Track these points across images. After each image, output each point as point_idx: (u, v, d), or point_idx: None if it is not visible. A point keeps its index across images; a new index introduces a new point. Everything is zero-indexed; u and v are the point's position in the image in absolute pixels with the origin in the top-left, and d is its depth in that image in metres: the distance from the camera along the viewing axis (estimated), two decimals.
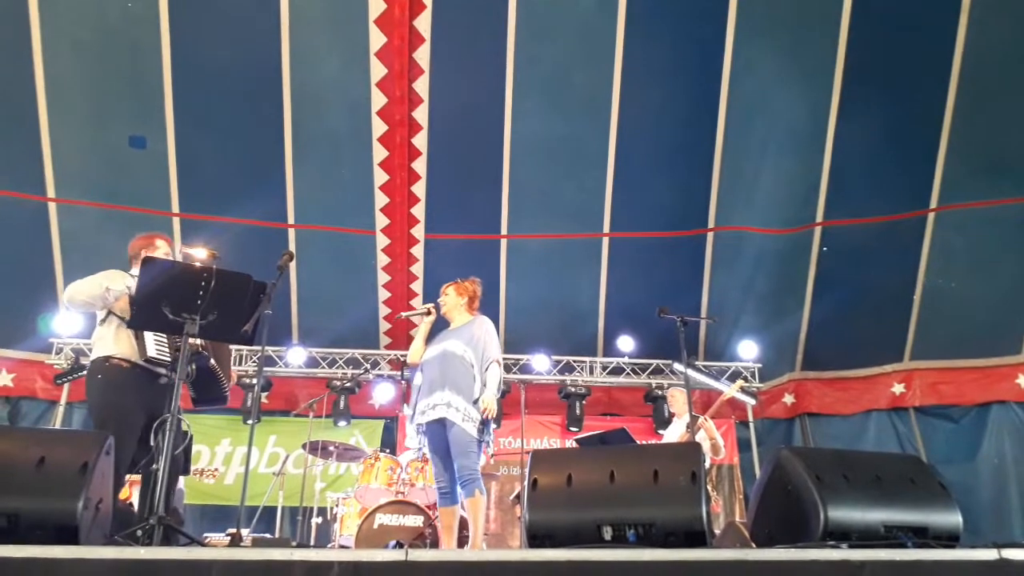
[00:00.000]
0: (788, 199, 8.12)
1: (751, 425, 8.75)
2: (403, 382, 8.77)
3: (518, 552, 2.88)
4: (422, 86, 7.46)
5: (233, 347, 8.06)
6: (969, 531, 2.96)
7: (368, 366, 8.60)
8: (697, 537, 2.60)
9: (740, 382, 6.59)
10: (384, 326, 8.87)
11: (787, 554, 2.37)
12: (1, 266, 7.78)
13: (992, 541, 2.51)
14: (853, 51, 7.29)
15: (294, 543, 5.72)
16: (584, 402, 8.66)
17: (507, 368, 8.58)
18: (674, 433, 6.36)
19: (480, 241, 8.42)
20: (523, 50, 7.39)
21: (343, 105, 7.57)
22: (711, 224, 8.33)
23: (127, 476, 3.94)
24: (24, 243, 7.79)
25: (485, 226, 8.34)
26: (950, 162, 7.66)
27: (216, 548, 3.13)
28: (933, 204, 7.90)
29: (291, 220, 8.11)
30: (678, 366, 8.32)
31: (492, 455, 4.94)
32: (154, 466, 3.23)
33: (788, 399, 9.07)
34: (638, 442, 6.50)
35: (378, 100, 7.44)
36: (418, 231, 8.25)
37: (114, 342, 3.79)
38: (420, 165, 7.87)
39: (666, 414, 8.08)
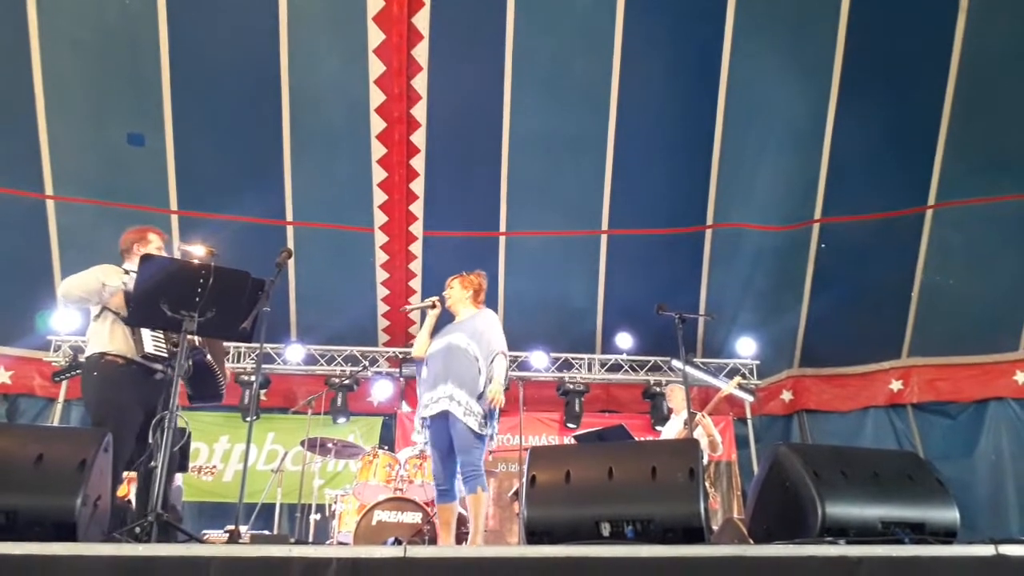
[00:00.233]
0: (787, 196, 8.13)
1: (749, 422, 8.77)
2: (401, 379, 8.78)
3: (516, 548, 2.89)
4: (420, 83, 7.46)
5: (231, 344, 8.16)
6: (966, 527, 2.96)
7: (366, 363, 8.60)
8: (695, 533, 2.60)
9: (738, 378, 6.60)
10: (383, 323, 8.87)
11: (785, 550, 2.38)
12: None
13: (989, 537, 2.52)
14: (852, 47, 7.29)
15: (292, 540, 5.72)
16: (583, 399, 8.67)
17: None
18: (672, 429, 6.37)
19: (479, 238, 8.42)
20: (521, 47, 7.38)
21: (341, 102, 7.56)
22: (710, 221, 8.33)
23: (125, 473, 3.94)
24: (22, 240, 7.78)
25: (484, 223, 8.33)
26: (948, 159, 7.66)
27: (214, 545, 3.13)
28: (931, 201, 7.91)
29: (289, 217, 8.10)
30: (676, 363, 8.33)
31: (491, 452, 4.95)
32: (152, 463, 3.23)
33: (786, 396, 9.09)
34: (636, 439, 6.51)
35: (376, 97, 7.43)
36: (416, 228, 8.25)
37: (109, 338, 3.78)
38: (418, 162, 7.87)
39: (665, 411, 8.09)
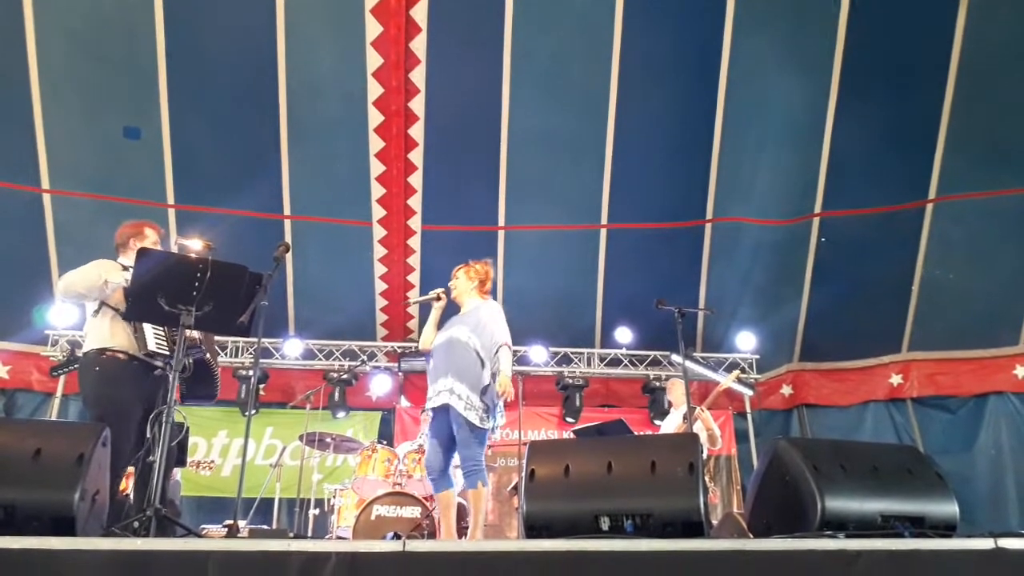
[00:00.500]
0: (786, 190, 8.11)
1: (749, 416, 8.78)
2: (400, 374, 8.78)
3: (516, 543, 2.88)
4: (418, 76, 7.43)
5: (228, 339, 8.14)
6: (966, 521, 2.97)
7: (365, 358, 8.59)
8: (694, 528, 2.60)
9: (736, 372, 6.59)
10: (381, 318, 8.86)
11: (784, 544, 2.37)
12: None
13: (988, 531, 2.52)
14: (852, 42, 7.27)
15: (291, 534, 5.73)
16: (583, 393, 8.67)
17: None
18: (671, 424, 6.37)
19: (477, 232, 8.40)
20: (521, 40, 7.36)
21: (339, 95, 7.53)
22: (709, 215, 8.32)
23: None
24: (18, 235, 7.76)
25: (482, 217, 8.32)
26: (948, 153, 7.65)
27: (213, 539, 3.12)
28: (931, 195, 7.90)
29: (287, 211, 8.08)
30: (676, 357, 8.32)
31: (491, 446, 4.94)
32: (150, 458, 3.22)
33: (786, 390, 9.10)
34: (636, 433, 6.50)
35: (374, 90, 7.41)
36: (415, 222, 8.23)
37: (110, 334, 3.77)
38: (417, 156, 7.84)
39: (665, 405, 8.09)
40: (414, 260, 8.46)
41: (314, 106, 7.57)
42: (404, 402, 8.78)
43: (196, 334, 3.95)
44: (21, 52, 6.99)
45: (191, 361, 3.90)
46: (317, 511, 6.51)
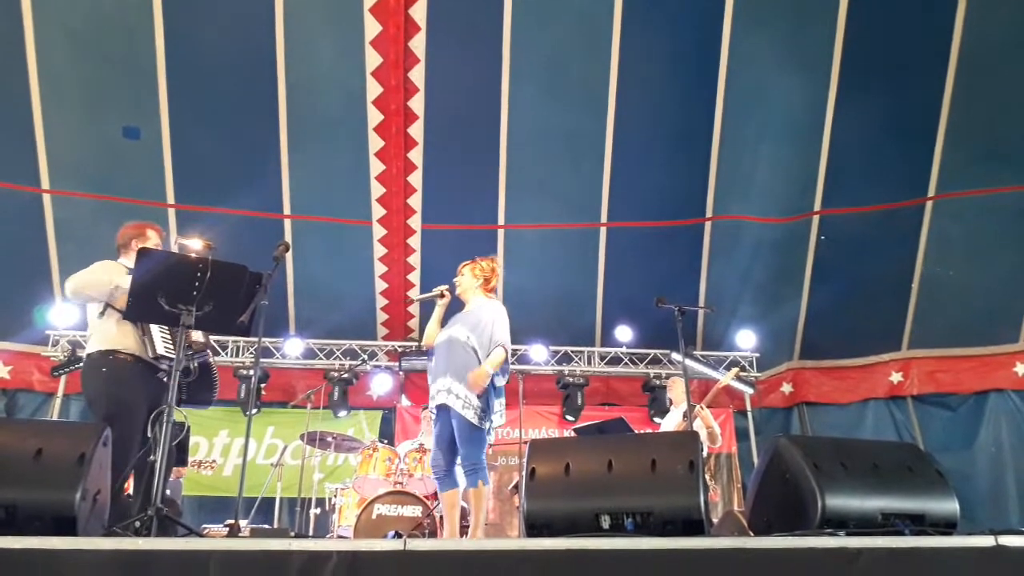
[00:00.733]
0: (786, 188, 8.11)
1: (749, 414, 8.78)
2: (400, 373, 8.78)
3: (516, 541, 2.89)
4: (418, 75, 7.43)
5: (229, 338, 8.15)
6: (966, 518, 2.97)
7: (365, 357, 8.59)
8: (695, 526, 2.60)
9: (735, 370, 6.59)
10: (381, 317, 8.86)
11: (785, 542, 2.37)
12: None
13: (989, 528, 2.52)
14: (851, 39, 7.26)
15: (292, 534, 5.73)
16: (584, 392, 8.67)
17: None
18: (671, 422, 6.37)
19: (477, 231, 8.40)
20: (520, 39, 7.35)
21: (339, 94, 7.53)
22: (709, 213, 8.32)
23: None
24: (19, 234, 7.76)
25: (482, 216, 8.31)
26: (948, 150, 7.65)
27: (214, 539, 3.13)
28: (931, 192, 7.90)
29: (287, 211, 8.08)
30: (676, 356, 8.33)
31: (491, 445, 4.92)
32: (151, 458, 3.22)
33: (786, 388, 9.10)
34: (636, 432, 6.51)
35: (374, 89, 7.40)
36: (415, 221, 8.23)
37: (117, 336, 3.78)
38: (416, 155, 7.84)
39: (666, 403, 8.09)
40: (414, 259, 8.46)
41: (314, 105, 7.57)
42: (405, 401, 8.78)
43: (201, 337, 3.96)
44: (20, 52, 6.98)
45: (196, 365, 3.93)
46: (318, 510, 6.51)
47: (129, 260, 3.90)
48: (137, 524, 2.97)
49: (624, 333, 8.67)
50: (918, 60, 7.31)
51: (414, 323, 8.87)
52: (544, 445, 3.15)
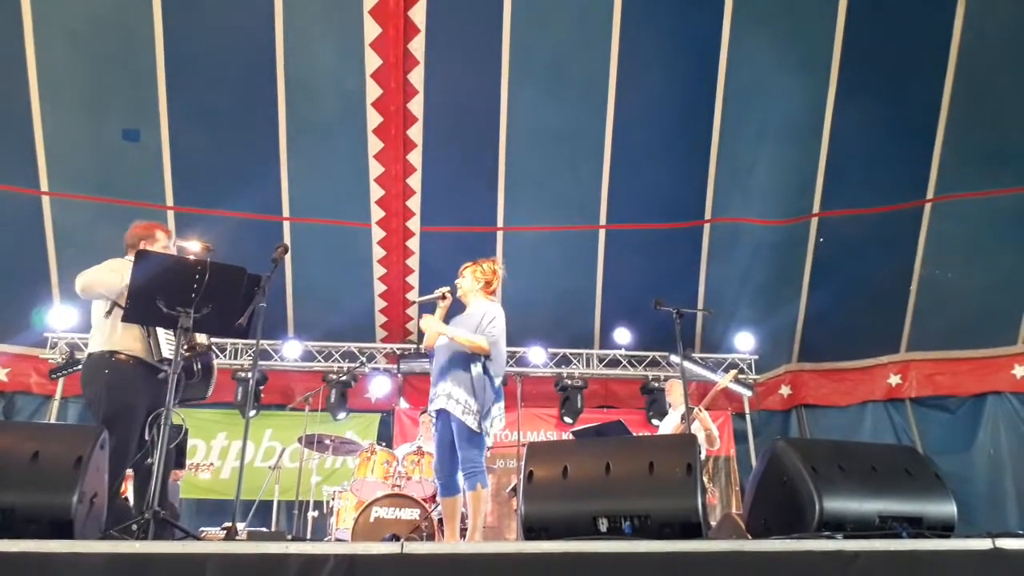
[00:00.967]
0: (785, 190, 8.12)
1: (747, 417, 8.78)
2: (399, 375, 8.77)
3: (514, 544, 2.88)
4: (417, 77, 7.43)
5: (228, 340, 8.14)
6: (964, 521, 2.97)
7: (364, 359, 8.59)
8: (693, 529, 2.60)
9: (733, 372, 6.59)
10: (380, 319, 8.86)
11: (783, 545, 2.37)
12: None
13: (987, 531, 2.52)
14: (850, 40, 7.28)
15: (290, 537, 5.72)
16: (583, 394, 8.66)
17: None
18: (669, 425, 6.37)
19: (476, 233, 8.40)
20: (519, 41, 7.36)
21: (338, 96, 7.53)
22: (708, 215, 8.32)
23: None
24: (17, 236, 7.76)
25: (481, 218, 8.32)
26: (947, 152, 7.66)
27: (211, 542, 3.12)
28: (930, 194, 7.91)
29: (286, 213, 8.08)
30: (674, 358, 8.33)
31: (490, 448, 4.91)
32: (148, 460, 3.22)
33: (784, 391, 9.10)
34: (635, 434, 6.50)
35: (373, 91, 7.41)
36: (414, 223, 8.23)
37: (122, 336, 3.80)
38: (415, 157, 7.85)
39: (666, 406, 8.09)
40: (413, 261, 8.46)
41: (313, 107, 7.57)
42: (403, 404, 8.78)
43: (204, 339, 3.98)
44: (20, 54, 6.98)
45: (199, 367, 3.94)
46: (316, 513, 6.50)
47: None
48: (134, 527, 2.96)
49: (623, 335, 8.67)
50: (917, 61, 7.32)
51: (412, 325, 8.87)
52: (542, 448, 3.15)
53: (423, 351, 5.05)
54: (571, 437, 7.47)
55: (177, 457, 4.82)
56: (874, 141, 7.74)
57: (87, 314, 3.98)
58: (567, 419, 8.60)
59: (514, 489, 6.46)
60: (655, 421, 8.30)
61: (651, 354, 8.83)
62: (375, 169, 7.82)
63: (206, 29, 7.13)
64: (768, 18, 7.26)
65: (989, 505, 7.82)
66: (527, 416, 8.47)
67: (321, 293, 8.58)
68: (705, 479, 6.66)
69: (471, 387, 4.32)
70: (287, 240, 8.03)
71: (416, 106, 7.57)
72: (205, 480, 7.92)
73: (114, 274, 3.78)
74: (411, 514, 5.29)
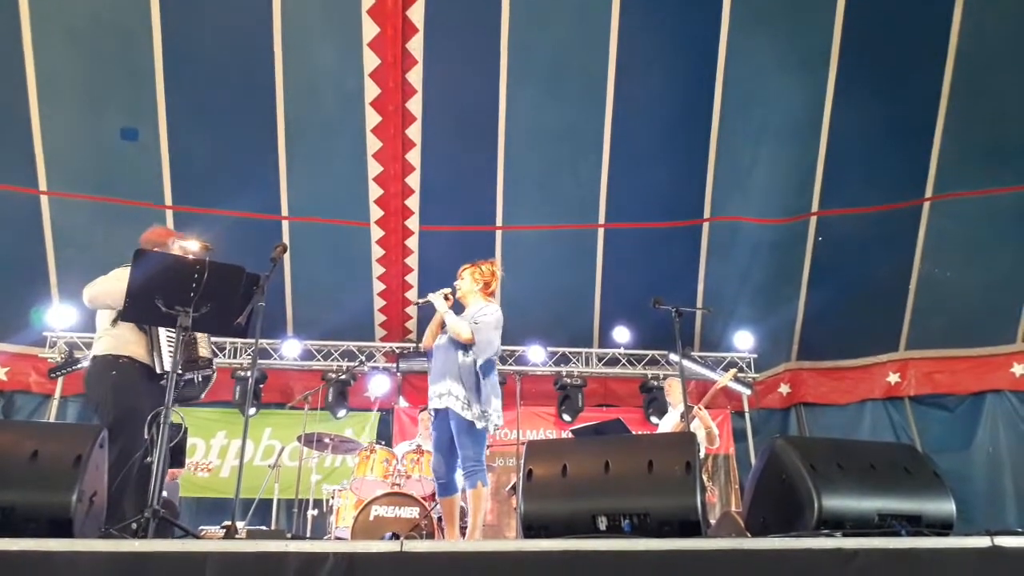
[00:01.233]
0: (784, 188, 8.12)
1: (747, 415, 8.78)
2: (398, 374, 8.77)
3: (513, 542, 2.89)
4: (416, 77, 7.43)
5: (227, 339, 8.14)
6: (963, 519, 2.98)
7: (363, 358, 8.58)
8: (692, 527, 2.60)
9: (733, 371, 6.60)
10: (379, 318, 8.85)
11: (781, 543, 2.38)
12: None
13: (985, 529, 2.52)
14: (848, 38, 7.28)
15: (289, 535, 5.73)
16: (583, 392, 8.67)
17: (503, 359, 8.58)
18: (668, 423, 6.37)
19: (475, 232, 8.40)
20: (517, 40, 7.36)
21: (336, 96, 7.53)
22: (706, 214, 8.32)
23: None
24: (16, 236, 7.74)
25: (480, 217, 8.31)
26: (946, 151, 7.67)
27: (211, 540, 3.12)
28: (929, 193, 7.91)
29: (285, 212, 8.08)
30: (674, 357, 8.33)
31: (489, 446, 4.92)
32: (148, 459, 3.22)
33: (784, 389, 9.10)
34: (634, 433, 6.50)
35: (371, 91, 7.40)
36: (413, 223, 8.23)
37: (129, 344, 3.83)
38: (414, 156, 7.84)
39: (666, 405, 8.09)
40: (412, 260, 8.45)
41: (312, 107, 7.57)
42: (402, 402, 8.77)
43: (208, 352, 4.00)
44: (18, 53, 6.98)
45: (200, 379, 3.97)
46: (315, 512, 6.50)
47: None
48: (134, 526, 2.96)
49: (622, 334, 8.67)
50: (916, 59, 7.32)
51: (412, 324, 8.86)
52: (541, 446, 3.15)
53: (422, 350, 5.05)
54: (570, 435, 7.47)
55: (177, 456, 4.82)
56: (873, 139, 7.74)
57: (86, 313, 4.01)
58: (565, 416, 8.60)
59: (513, 487, 6.46)
60: (654, 419, 8.30)
61: (650, 353, 8.83)
62: (374, 168, 7.82)
63: (205, 28, 7.12)
64: (767, 16, 7.26)
65: (988, 503, 7.83)
66: (526, 415, 8.47)
67: (320, 292, 8.57)
68: (704, 477, 6.68)
69: (470, 384, 4.33)
70: (286, 239, 8.03)
71: (415, 105, 7.57)
72: (204, 478, 7.92)
73: (120, 283, 3.78)
74: (411, 512, 5.29)
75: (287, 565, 2.12)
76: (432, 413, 4.50)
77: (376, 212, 8.08)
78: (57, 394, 8.03)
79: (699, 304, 8.63)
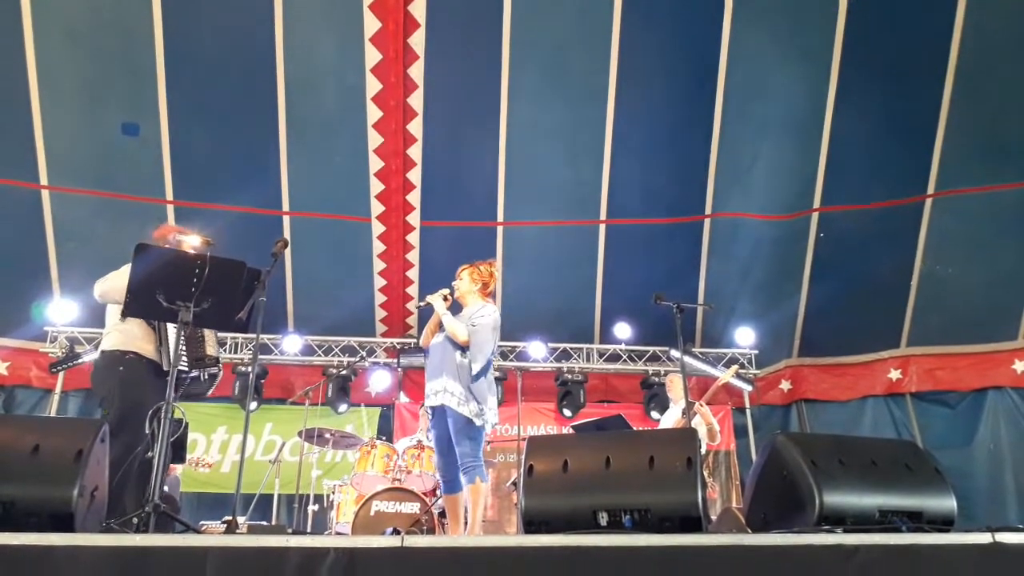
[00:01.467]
0: (785, 185, 8.11)
1: (748, 411, 8.79)
2: (399, 369, 8.78)
3: (514, 538, 2.89)
4: (417, 72, 7.42)
5: (227, 335, 8.14)
6: (965, 516, 2.97)
7: (364, 353, 8.59)
8: (693, 523, 2.59)
9: (735, 367, 6.60)
10: (380, 314, 8.85)
11: (782, 539, 2.37)
12: None
13: (986, 525, 2.52)
14: (851, 35, 7.26)
15: (290, 530, 5.74)
16: (584, 389, 8.67)
17: (503, 355, 8.59)
18: (670, 419, 6.37)
19: (476, 228, 8.39)
20: (519, 35, 7.34)
21: (338, 91, 7.52)
22: (708, 210, 8.31)
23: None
24: (17, 230, 7.74)
25: (481, 213, 8.31)
26: (948, 147, 7.65)
27: (211, 535, 3.12)
28: (930, 190, 7.90)
29: (286, 207, 8.07)
30: (675, 353, 8.33)
31: (490, 442, 4.92)
32: (149, 454, 3.23)
33: (785, 385, 9.10)
34: (635, 429, 6.51)
35: (373, 86, 7.39)
36: (414, 218, 8.22)
37: (138, 340, 3.85)
38: (415, 151, 7.84)
39: (667, 401, 8.09)
40: (413, 256, 8.45)
41: (313, 102, 7.56)
42: (403, 398, 8.78)
43: (214, 352, 4.01)
44: (20, 48, 6.97)
45: (207, 377, 3.98)
46: (316, 507, 6.52)
47: None
48: (135, 520, 2.96)
49: (623, 330, 8.67)
50: (918, 56, 7.30)
51: (412, 320, 8.87)
52: (542, 442, 3.15)
53: (422, 347, 5.06)
54: (571, 431, 7.48)
55: (178, 451, 4.83)
56: (875, 136, 7.72)
57: (87, 308, 4.01)
58: (567, 413, 8.60)
59: (514, 483, 6.47)
60: (655, 415, 8.30)
61: (651, 349, 8.84)
62: (375, 164, 7.81)
63: (205, 23, 7.11)
64: (769, 12, 7.24)
65: (989, 499, 7.83)
66: (527, 410, 8.48)
67: (321, 287, 8.57)
68: (705, 473, 6.67)
69: (466, 382, 4.33)
70: (287, 234, 8.03)
71: (416, 101, 7.56)
72: (205, 474, 7.93)
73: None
74: (411, 508, 5.30)
75: (288, 560, 2.12)
76: (429, 411, 4.51)
77: (377, 207, 8.08)
78: (58, 389, 8.04)
79: (700, 300, 8.64)
